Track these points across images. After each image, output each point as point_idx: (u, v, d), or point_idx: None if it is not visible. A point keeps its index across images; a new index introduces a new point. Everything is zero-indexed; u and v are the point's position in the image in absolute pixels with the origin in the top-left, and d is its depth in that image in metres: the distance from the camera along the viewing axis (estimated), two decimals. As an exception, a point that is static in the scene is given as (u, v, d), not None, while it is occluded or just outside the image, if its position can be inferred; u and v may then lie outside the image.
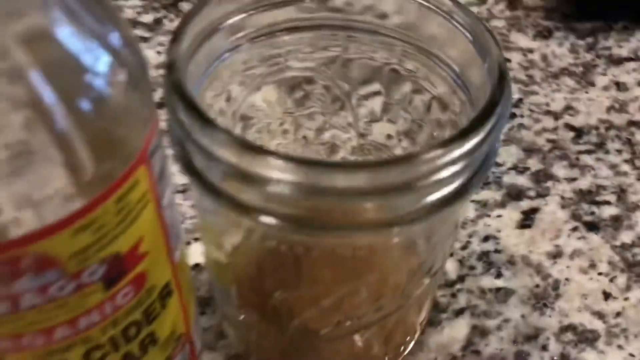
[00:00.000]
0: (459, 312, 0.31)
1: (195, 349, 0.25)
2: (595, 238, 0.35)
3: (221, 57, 0.23)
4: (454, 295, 0.32)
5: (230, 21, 0.23)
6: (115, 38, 0.16)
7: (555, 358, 0.30)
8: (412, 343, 0.29)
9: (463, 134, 0.18)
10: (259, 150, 0.18)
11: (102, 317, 0.18)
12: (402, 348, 0.28)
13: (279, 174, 0.17)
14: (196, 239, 0.32)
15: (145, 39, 0.45)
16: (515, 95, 0.43)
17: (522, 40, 0.48)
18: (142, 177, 0.17)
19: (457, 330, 0.30)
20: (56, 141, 0.14)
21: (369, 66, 0.25)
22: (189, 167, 0.20)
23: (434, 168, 0.18)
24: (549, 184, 0.37)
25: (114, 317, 0.19)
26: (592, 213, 0.36)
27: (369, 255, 0.23)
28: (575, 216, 0.36)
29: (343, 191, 0.18)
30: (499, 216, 0.36)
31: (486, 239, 0.34)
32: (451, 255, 0.33)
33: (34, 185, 0.14)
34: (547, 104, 0.43)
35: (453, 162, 0.18)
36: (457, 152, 0.18)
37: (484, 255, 0.34)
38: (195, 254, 0.31)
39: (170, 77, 0.19)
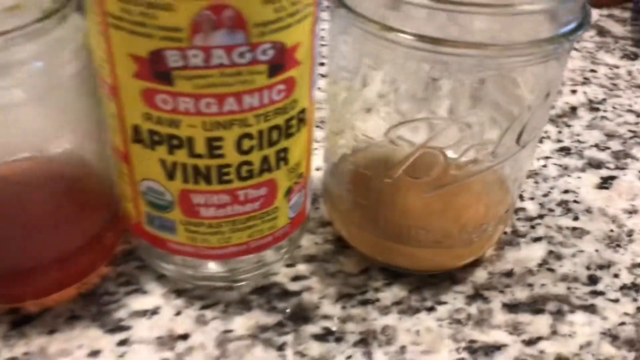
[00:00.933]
0: (537, 240, 0.34)
1: (307, 203, 0.30)
2: (670, 204, 0.37)
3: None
4: (532, 227, 0.35)
5: None
6: None
7: (626, 283, 0.32)
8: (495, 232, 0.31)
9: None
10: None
11: (259, 103, 0.23)
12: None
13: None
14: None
15: None
16: (600, 96, 0.47)
17: (609, 58, 0.52)
18: (310, -11, 0.22)
19: (534, 252, 0.33)
20: None
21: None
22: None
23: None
24: (628, 160, 0.40)
25: (266, 110, 0.23)
26: (669, 186, 0.38)
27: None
28: (652, 187, 0.38)
29: None
30: (579, 178, 0.39)
31: (566, 192, 0.37)
32: (531, 199, 0.37)
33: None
34: (630, 105, 0.46)
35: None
36: None
37: (563, 203, 0.36)
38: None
39: None
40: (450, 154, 0.26)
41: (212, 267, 0.29)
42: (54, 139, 0.27)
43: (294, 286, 0.30)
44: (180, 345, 0.27)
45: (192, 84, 0.22)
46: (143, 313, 0.28)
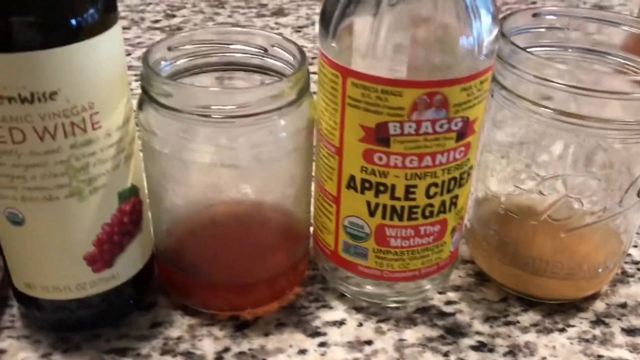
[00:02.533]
0: (645, 279, 0.40)
1: (459, 247, 0.37)
2: None
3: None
4: (638, 269, 0.41)
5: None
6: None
7: None
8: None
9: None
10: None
11: (446, 161, 0.31)
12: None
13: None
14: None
15: None
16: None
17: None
18: (489, 76, 0.31)
19: (643, 289, 0.40)
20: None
21: None
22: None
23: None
24: None
25: (449, 166, 0.32)
26: None
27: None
28: None
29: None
30: (676, 230, 0.45)
31: (666, 241, 0.44)
32: (635, 246, 0.43)
33: (450, 53, 0.28)
34: None
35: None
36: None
37: (664, 250, 0.43)
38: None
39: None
40: (585, 202, 0.33)
41: (385, 290, 0.37)
42: (272, 191, 0.35)
43: (448, 309, 0.38)
44: (367, 349, 0.35)
45: (403, 146, 0.30)
46: (333, 323, 0.36)
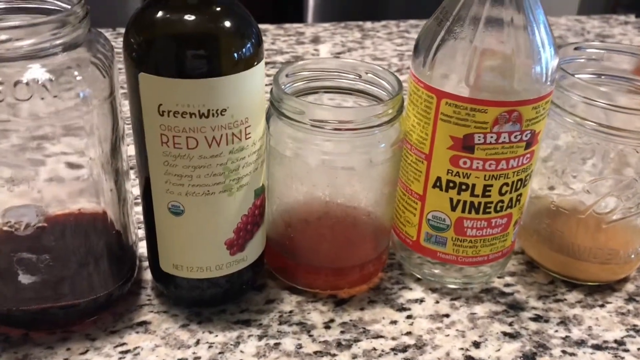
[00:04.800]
0: (665, 267, 0.48)
1: (515, 238, 0.45)
2: None
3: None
4: (660, 259, 0.49)
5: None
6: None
7: None
8: None
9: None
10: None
11: (516, 165, 0.39)
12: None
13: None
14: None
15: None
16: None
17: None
18: (551, 97, 0.39)
19: (664, 274, 0.48)
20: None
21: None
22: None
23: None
24: None
25: (518, 169, 0.40)
26: None
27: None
28: None
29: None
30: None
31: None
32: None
33: (525, 80, 0.36)
34: None
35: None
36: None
37: (678, 244, 0.51)
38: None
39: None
40: (623, 199, 0.41)
41: (454, 274, 0.45)
42: (361, 197, 0.43)
43: (507, 289, 0.45)
44: (446, 320, 0.42)
45: (485, 152, 0.38)
46: (415, 300, 0.44)
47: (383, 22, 0.97)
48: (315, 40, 0.90)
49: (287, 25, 0.94)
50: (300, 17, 1.67)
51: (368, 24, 0.96)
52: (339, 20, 0.97)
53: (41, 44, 0.33)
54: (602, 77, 0.46)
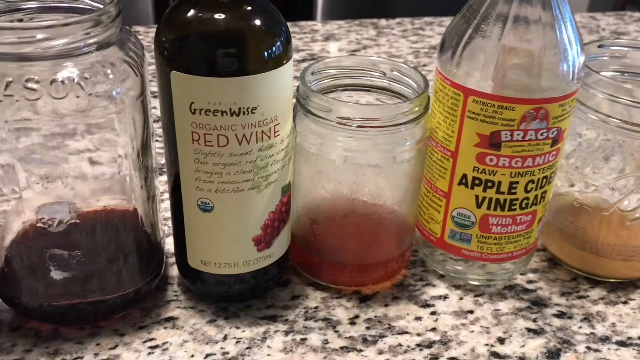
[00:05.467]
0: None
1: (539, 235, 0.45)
2: None
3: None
4: (681, 256, 0.49)
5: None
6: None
7: None
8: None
9: None
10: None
11: (542, 162, 0.40)
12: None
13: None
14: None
15: None
16: None
17: None
18: (577, 95, 0.39)
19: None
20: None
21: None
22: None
23: None
24: None
25: (544, 166, 0.40)
26: None
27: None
28: None
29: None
30: None
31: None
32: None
33: (553, 78, 0.37)
34: None
35: None
36: None
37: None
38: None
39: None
40: (648, 196, 0.42)
41: (477, 271, 0.45)
42: (387, 194, 0.43)
43: (530, 286, 0.46)
44: (470, 316, 0.43)
45: (511, 150, 0.39)
46: (439, 297, 0.44)
47: (398, 20, 0.97)
48: (330, 37, 0.90)
49: (302, 23, 0.94)
50: (310, 14, 1.68)
51: (383, 22, 0.96)
52: (347, 17, 0.97)
53: (74, 43, 0.33)
54: (625, 74, 0.46)
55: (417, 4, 1.58)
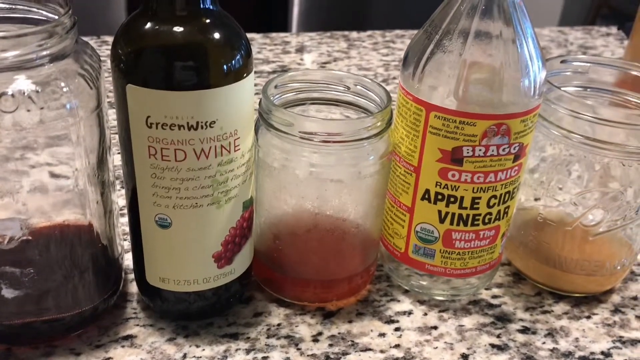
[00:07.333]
0: (650, 278, 0.49)
1: (503, 250, 0.45)
2: None
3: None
4: (645, 270, 0.50)
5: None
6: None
7: None
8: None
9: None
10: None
11: (504, 177, 0.39)
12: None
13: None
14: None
15: None
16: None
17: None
18: (539, 110, 0.39)
19: (649, 285, 0.48)
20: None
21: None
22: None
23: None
24: None
25: (506, 182, 0.40)
26: None
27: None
28: None
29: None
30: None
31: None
32: (640, 252, 0.52)
33: (514, 94, 0.37)
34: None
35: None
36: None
37: (662, 255, 0.52)
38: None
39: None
40: (609, 212, 0.42)
41: (442, 286, 0.45)
42: (350, 209, 0.43)
43: (494, 301, 0.45)
44: (434, 332, 0.42)
45: (473, 165, 0.38)
46: (403, 313, 0.44)
47: (369, 32, 0.98)
48: (301, 49, 0.90)
49: (273, 35, 0.94)
50: (285, 26, 1.67)
51: (354, 34, 0.96)
52: (322, 29, 0.97)
53: (27, 55, 0.32)
54: (588, 89, 0.46)
55: (391, 15, 1.60)
